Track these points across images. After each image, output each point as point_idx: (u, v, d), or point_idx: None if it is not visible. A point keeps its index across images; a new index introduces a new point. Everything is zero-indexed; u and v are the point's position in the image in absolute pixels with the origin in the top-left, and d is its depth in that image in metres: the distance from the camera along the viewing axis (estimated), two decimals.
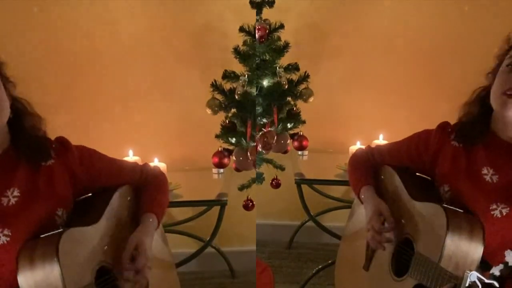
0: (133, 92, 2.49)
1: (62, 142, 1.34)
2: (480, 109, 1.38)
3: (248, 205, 2.12)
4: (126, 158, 2.32)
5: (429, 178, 1.53)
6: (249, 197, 2.11)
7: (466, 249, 1.25)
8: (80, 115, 2.42)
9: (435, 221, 1.30)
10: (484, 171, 1.34)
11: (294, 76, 2.03)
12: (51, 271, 1.11)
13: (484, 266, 1.29)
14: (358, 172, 1.67)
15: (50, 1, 2.30)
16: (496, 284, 1.16)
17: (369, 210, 1.53)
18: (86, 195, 1.41)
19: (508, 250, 1.25)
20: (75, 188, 1.34)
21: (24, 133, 1.27)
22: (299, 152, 2.42)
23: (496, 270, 1.28)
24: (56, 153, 1.31)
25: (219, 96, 1.96)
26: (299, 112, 2.06)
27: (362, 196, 1.59)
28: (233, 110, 1.98)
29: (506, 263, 1.27)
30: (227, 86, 1.96)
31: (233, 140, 1.95)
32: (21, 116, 1.28)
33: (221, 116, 1.99)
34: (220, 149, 1.99)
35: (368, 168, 1.67)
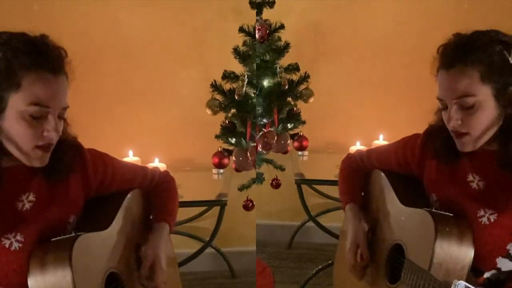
0: (133, 92, 2.49)
1: (78, 150, 1.29)
2: None
3: (248, 206, 2.11)
4: (126, 159, 2.32)
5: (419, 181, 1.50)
6: (249, 197, 2.11)
7: (456, 254, 1.23)
8: (80, 115, 2.41)
9: (423, 228, 1.28)
10: (470, 178, 1.30)
11: (294, 77, 2.03)
12: (63, 277, 1.09)
13: (476, 273, 1.27)
14: (345, 183, 1.65)
15: (50, 0, 2.31)
16: None
17: (348, 237, 1.54)
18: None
19: (500, 257, 1.26)
20: (87, 195, 1.32)
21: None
22: (299, 153, 2.42)
23: (488, 275, 1.27)
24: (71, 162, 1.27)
25: (219, 97, 1.95)
26: (299, 112, 2.06)
27: (346, 214, 1.60)
28: (233, 110, 1.98)
29: (498, 269, 1.27)
30: (227, 86, 1.96)
31: (233, 141, 1.94)
32: None
33: (221, 116, 1.99)
34: (220, 150, 1.99)
35: (357, 177, 1.65)
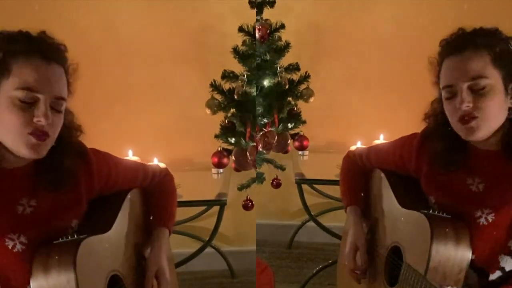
0: (133, 92, 2.49)
1: (83, 155, 1.28)
2: (451, 130, 1.30)
3: (247, 205, 2.11)
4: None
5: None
6: (248, 197, 2.11)
7: (453, 258, 1.22)
8: (79, 115, 2.40)
9: (420, 231, 1.27)
10: (469, 181, 1.30)
11: (295, 76, 2.03)
12: (67, 281, 1.08)
13: (480, 273, 1.26)
14: (346, 184, 1.66)
15: (50, 0, 2.30)
16: None
17: (348, 241, 1.55)
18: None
19: (502, 255, 1.25)
20: (89, 197, 1.31)
21: (50, 161, 1.19)
22: (300, 152, 2.41)
23: (493, 277, 1.27)
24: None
25: (218, 96, 1.95)
26: (300, 112, 2.06)
27: (348, 216, 1.61)
28: (232, 110, 1.98)
29: (502, 269, 1.26)
30: (227, 86, 1.96)
31: (233, 140, 1.94)
32: (59, 145, 1.20)
33: (220, 116, 1.99)
34: (219, 149, 1.99)
35: (358, 178, 1.65)
